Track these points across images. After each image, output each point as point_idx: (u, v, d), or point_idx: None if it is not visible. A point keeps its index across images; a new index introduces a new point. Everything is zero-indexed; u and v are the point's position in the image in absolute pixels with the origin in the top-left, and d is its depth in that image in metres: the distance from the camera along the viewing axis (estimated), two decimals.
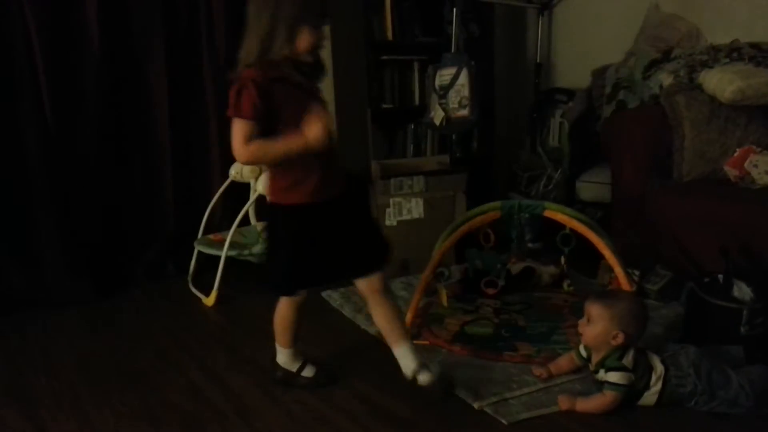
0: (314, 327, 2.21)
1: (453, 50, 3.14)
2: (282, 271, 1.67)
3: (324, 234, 1.60)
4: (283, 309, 1.75)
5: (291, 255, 1.62)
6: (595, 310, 1.61)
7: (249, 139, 1.47)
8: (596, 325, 1.59)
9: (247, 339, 2.13)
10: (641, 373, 1.57)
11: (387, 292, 1.70)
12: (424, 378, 1.62)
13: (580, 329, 1.64)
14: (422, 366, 1.64)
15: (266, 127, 1.49)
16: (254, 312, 2.40)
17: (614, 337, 1.57)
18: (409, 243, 2.72)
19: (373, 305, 1.69)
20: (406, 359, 1.66)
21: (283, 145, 1.49)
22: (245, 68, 1.49)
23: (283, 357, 1.80)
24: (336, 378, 1.81)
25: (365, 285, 1.67)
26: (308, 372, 1.80)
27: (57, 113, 2.52)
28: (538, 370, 1.76)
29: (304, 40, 1.50)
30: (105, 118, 2.65)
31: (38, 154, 2.49)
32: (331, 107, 3.32)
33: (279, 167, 1.57)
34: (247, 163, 1.69)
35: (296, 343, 1.80)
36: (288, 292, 1.72)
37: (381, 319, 1.69)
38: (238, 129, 1.48)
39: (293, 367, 1.80)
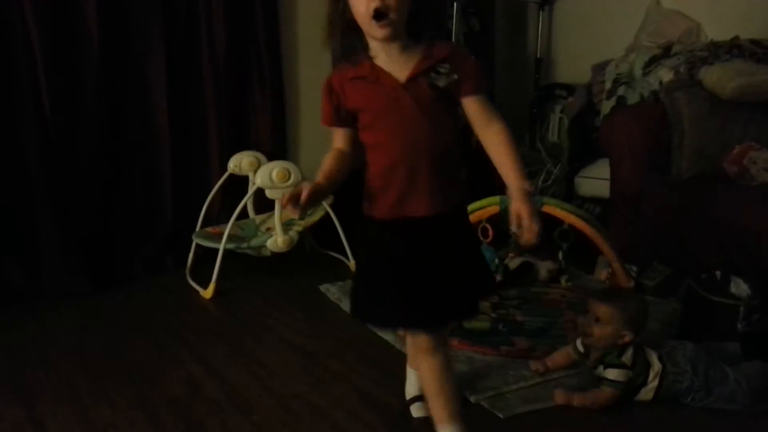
0: (313, 320, 2.22)
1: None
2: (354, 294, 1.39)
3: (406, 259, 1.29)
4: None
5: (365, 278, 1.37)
6: (604, 310, 1.58)
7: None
8: (606, 327, 1.57)
9: (245, 332, 2.14)
10: (639, 369, 1.57)
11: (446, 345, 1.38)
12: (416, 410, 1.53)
13: (587, 329, 1.61)
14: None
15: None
16: (252, 305, 2.40)
17: (622, 338, 1.57)
18: None
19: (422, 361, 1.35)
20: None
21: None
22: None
23: None
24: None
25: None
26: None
27: (56, 109, 2.51)
28: (534, 365, 1.76)
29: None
30: (104, 114, 2.65)
31: (37, 149, 2.49)
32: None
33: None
34: None
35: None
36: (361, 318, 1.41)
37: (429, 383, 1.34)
38: None
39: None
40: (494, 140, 1.27)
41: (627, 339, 1.57)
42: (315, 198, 1.19)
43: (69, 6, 2.52)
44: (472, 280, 1.34)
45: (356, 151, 1.33)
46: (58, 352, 2.03)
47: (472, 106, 1.27)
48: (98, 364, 1.93)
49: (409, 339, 1.48)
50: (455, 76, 1.23)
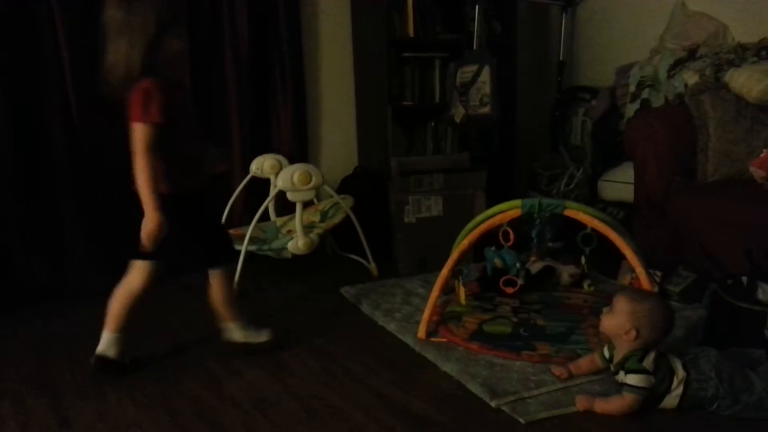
0: (332, 322, 2.23)
1: (475, 47, 3.13)
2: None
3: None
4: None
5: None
6: (619, 302, 1.62)
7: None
8: (615, 317, 1.61)
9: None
10: (662, 376, 1.55)
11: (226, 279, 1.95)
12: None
13: (602, 317, 1.66)
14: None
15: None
16: (272, 307, 2.42)
17: (627, 332, 1.57)
18: (428, 240, 2.72)
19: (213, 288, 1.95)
20: (232, 333, 1.98)
21: (146, 194, 1.72)
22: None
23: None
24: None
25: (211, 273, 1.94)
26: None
27: (81, 108, 2.57)
28: (557, 370, 1.75)
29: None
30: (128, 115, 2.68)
31: (63, 150, 2.54)
32: (352, 104, 3.34)
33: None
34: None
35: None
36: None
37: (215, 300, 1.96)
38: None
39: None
40: None
41: (632, 335, 1.56)
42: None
43: (96, 14, 2.55)
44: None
45: None
46: (83, 349, 2.05)
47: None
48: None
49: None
50: None
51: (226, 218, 2.78)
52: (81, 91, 2.55)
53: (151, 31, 1.65)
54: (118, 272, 2.62)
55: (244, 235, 2.53)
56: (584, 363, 1.75)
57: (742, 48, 2.59)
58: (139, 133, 1.70)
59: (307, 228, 2.57)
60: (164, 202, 1.72)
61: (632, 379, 1.54)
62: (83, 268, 2.58)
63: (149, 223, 1.70)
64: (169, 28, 1.68)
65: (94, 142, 2.62)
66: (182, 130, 1.77)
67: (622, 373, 1.58)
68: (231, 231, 2.73)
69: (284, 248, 2.53)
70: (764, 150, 2.31)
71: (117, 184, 2.69)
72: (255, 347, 1.97)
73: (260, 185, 2.84)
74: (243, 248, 2.48)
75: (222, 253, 1.98)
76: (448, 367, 1.83)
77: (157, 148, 1.70)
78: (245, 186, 2.83)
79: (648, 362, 1.55)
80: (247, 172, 2.83)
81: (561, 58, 3.62)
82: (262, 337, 1.99)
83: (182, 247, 1.88)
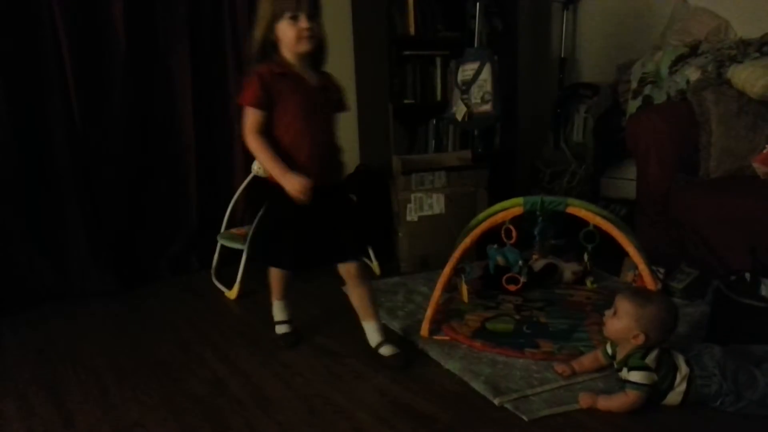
0: (334, 321, 2.23)
1: (476, 45, 3.12)
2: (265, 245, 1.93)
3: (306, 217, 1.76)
4: (273, 272, 2.03)
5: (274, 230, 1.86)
6: (623, 305, 1.60)
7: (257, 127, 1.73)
8: (621, 320, 1.59)
9: (269, 332, 2.14)
10: (665, 372, 1.54)
11: (362, 277, 1.90)
12: (385, 350, 1.88)
13: (605, 319, 1.64)
14: (384, 341, 1.90)
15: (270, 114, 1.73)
16: None
17: (635, 337, 1.56)
18: (430, 238, 2.72)
19: (350, 287, 1.93)
20: (371, 334, 1.92)
21: (271, 165, 1.71)
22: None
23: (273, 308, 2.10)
24: (298, 342, 2.05)
25: (344, 269, 1.88)
26: (280, 329, 2.08)
27: (84, 110, 2.57)
28: (560, 367, 1.75)
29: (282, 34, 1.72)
30: (130, 115, 2.70)
31: (65, 151, 2.54)
32: (353, 102, 3.34)
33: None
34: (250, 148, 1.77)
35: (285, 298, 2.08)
36: (272, 264, 1.98)
37: (355, 299, 1.93)
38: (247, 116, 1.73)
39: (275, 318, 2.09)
40: None
41: (640, 340, 1.55)
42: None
43: (97, 17, 2.57)
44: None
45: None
46: (87, 350, 2.06)
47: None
48: (125, 362, 1.97)
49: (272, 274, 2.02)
50: (337, 95, 1.86)
51: (229, 218, 2.78)
52: (83, 92, 2.55)
53: (268, 14, 1.70)
54: (121, 274, 2.65)
55: (247, 235, 2.53)
56: (587, 360, 1.75)
57: (744, 43, 2.58)
58: (244, 115, 1.73)
59: None
60: (274, 190, 1.73)
61: (635, 376, 1.54)
62: (86, 269, 2.58)
63: (289, 188, 1.68)
64: (283, 14, 1.69)
65: (97, 145, 2.62)
66: (292, 118, 1.73)
67: (625, 370, 1.58)
68: (234, 230, 2.75)
69: None
70: (766, 146, 2.31)
71: (120, 187, 2.71)
72: (387, 359, 1.87)
73: (262, 184, 2.84)
74: (246, 247, 2.49)
75: (350, 247, 1.87)
76: (452, 365, 1.83)
77: (260, 131, 1.72)
78: (247, 185, 2.83)
79: (651, 359, 1.55)
80: (249, 172, 2.82)
81: (562, 55, 3.61)
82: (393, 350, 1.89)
83: (302, 241, 1.80)
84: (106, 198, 2.67)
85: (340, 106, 1.88)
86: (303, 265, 1.95)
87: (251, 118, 1.71)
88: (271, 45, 1.74)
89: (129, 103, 2.68)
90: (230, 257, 2.64)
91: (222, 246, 2.69)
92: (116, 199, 2.70)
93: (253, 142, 1.72)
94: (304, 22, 1.69)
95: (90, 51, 2.57)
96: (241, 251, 2.50)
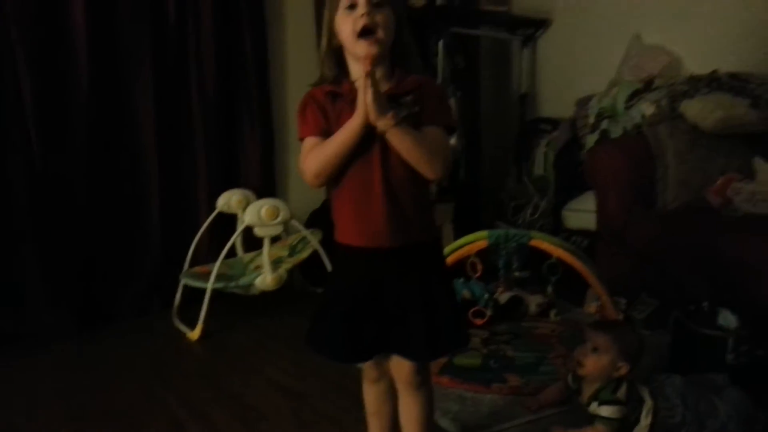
0: (301, 360, 2.19)
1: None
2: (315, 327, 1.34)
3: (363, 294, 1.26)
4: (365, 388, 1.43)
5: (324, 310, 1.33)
6: (602, 340, 1.55)
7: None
8: (604, 356, 1.54)
9: (232, 374, 2.10)
10: (633, 405, 1.55)
11: (419, 385, 1.36)
12: None
13: (582, 358, 1.57)
14: None
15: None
16: (240, 345, 2.38)
17: (618, 369, 1.53)
18: None
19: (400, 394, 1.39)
20: None
21: (341, 135, 1.19)
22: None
23: None
24: None
25: (397, 367, 1.35)
26: None
27: (43, 145, 2.51)
28: (527, 402, 1.74)
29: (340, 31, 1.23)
30: (92, 150, 2.64)
31: (23, 187, 2.48)
32: None
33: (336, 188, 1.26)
34: (313, 180, 1.24)
35: None
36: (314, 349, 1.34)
37: (403, 413, 1.40)
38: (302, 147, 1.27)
39: None
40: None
41: (623, 371, 1.53)
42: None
43: (58, 38, 2.53)
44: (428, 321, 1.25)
45: None
46: (41, 394, 1.99)
47: None
48: (82, 407, 1.89)
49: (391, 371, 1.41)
50: (416, 108, 1.20)
51: (192, 255, 2.74)
52: (42, 123, 2.49)
53: (329, 9, 1.24)
54: (79, 315, 2.56)
55: (211, 272, 2.49)
56: (552, 393, 1.75)
57: (695, 79, 2.69)
58: (302, 150, 1.26)
59: (276, 263, 2.55)
60: (339, 255, 1.31)
61: (606, 411, 1.53)
62: (42, 310, 2.50)
63: (367, 112, 1.14)
64: (339, 2, 1.21)
65: (55, 180, 2.55)
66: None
67: (595, 404, 1.57)
68: (197, 268, 2.70)
69: (252, 284, 2.50)
70: (720, 177, 2.38)
71: (79, 223, 2.64)
72: None
73: (227, 221, 2.81)
74: (209, 286, 2.44)
75: (416, 341, 1.26)
76: None
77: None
78: (212, 222, 2.80)
79: (621, 393, 1.54)
80: (214, 208, 2.80)
81: (522, 91, 3.71)
82: None
83: (357, 326, 1.26)
84: (65, 235, 2.59)
85: (423, 119, 1.22)
86: (360, 357, 1.34)
87: (307, 146, 1.24)
88: (336, 55, 1.25)
89: (90, 139, 2.63)
90: (194, 296, 2.59)
91: (185, 285, 2.64)
92: (75, 236, 2.63)
93: (310, 163, 1.22)
94: (363, 7, 1.18)
95: (51, 86, 2.52)
96: (205, 290, 2.45)
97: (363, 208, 1.22)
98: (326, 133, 1.22)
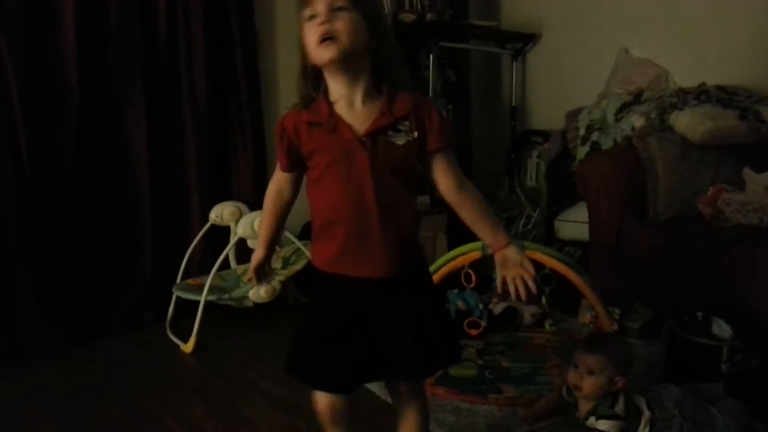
0: None
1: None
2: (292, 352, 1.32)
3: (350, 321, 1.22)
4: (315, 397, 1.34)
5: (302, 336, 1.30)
6: (596, 361, 1.52)
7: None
8: (601, 376, 1.52)
9: (226, 387, 2.08)
10: (631, 418, 1.55)
11: (416, 394, 1.36)
12: None
13: (577, 382, 1.55)
14: None
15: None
16: (234, 358, 2.35)
17: (615, 384, 1.52)
18: None
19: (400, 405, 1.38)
20: None
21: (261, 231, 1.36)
22: None
23: None
24: None
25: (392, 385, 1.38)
26: None
27: (34, 159, 2.48)
28: (523, 412, 1.74)
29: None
30: (83, 164, 2.63)
31: (13, 203, 2.44)
32: None
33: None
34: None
35: None
36: (298, 378, 1.33)
37: (403, 424, 1.39)
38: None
39: None
40: (467, 205, 1.26)
41: (621, 383, 1.52)
42: (262, 271, 1.41)
43: (48, 53, 2.52)
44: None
45: (295, 194, 1.34)
46: (34, 414, 1.95)
47: (435, 163, 1.21)
48: (75, 423, 1.86)
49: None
50: (415, 134, 1.16)
51: (185, 268, 2.72)
52: (33, 141, 2.47)
53: (301, 49, 1.18)
54: (71, 329, 2.53)
55: (204, 285, 2.48)
56: (547, 403, 1.75)
57: (684, 92, 2.72)
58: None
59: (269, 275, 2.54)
60: (322, 280, 1.27)
61: (604, 425, 1.53)
62: (34, 324, 2.46)
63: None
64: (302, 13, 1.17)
65: (46, 194, 2.53)
66: (328, 186, 1.18)
67: (592, 418, 1.57)
68: (190, 281, 2.68)
69: (245, 297, 2.49)
70: (710, 188, 2.41)
71: (70, 237, 2.62)
72: None
73: (220, 233, 2.80)
74: (202, 298, 2.43)
75: (411, 363, 1.23)
76: None
77: (281, 190, 1.32)
78: (204, 234, 2.79)
79: (619, 407, 1.53)
80: (206, 221, 2.79)
81: (513, 104, 3.74)
82: None
83: (345, 351, 1.22)
84: (56, 248, 2.56)
85: (428, 145, 1.19)
86: (349, 385, 1.28)
87: (275, 176, 1.31)
88: (313, 74, 1.19)
89: (81, 152, 2.61)
90: (186, 309, 2.57)
91: (178, 298, 2.62)
92: (66, 251, 2.60)
93: (266, 195, 1.33)
94: (322, 15, 1.10)
95: (41, 104, 2.50)
96: (198, 302, 2.44)
97: (357, 245, 1.18)
98: (294, 165, 1.24)
